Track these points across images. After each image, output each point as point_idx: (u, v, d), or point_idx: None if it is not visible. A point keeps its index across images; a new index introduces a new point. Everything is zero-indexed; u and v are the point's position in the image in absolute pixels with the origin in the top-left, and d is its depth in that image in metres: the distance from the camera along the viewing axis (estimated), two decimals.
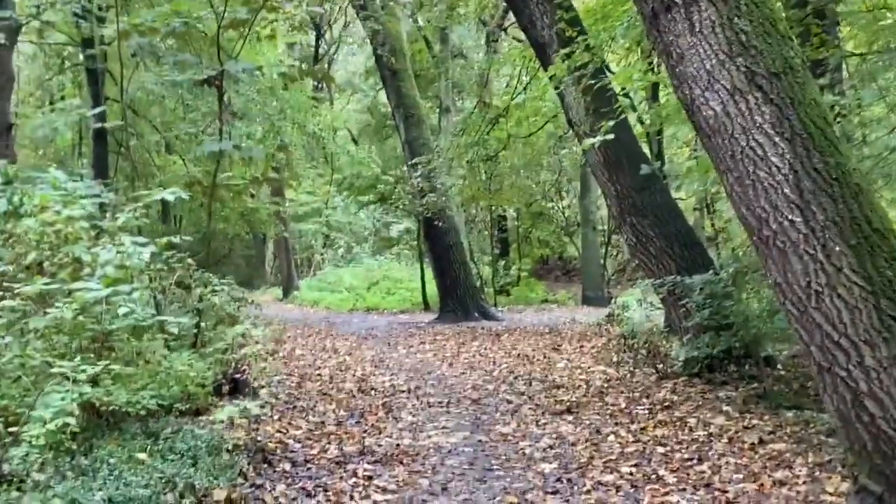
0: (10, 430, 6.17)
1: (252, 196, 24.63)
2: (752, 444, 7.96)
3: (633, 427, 9.00)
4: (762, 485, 6.78)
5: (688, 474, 7.20)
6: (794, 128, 5.76)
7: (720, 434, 8.43)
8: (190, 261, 10.10)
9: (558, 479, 7.25)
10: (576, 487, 7.04)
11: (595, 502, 6.64)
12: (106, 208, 9.82)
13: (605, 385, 11.75)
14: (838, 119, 9.31)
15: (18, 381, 7.07)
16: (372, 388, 12.12)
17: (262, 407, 8.64)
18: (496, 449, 8.44)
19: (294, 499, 6.90)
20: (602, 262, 31.81)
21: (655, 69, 15.76)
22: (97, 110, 16.67)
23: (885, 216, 5.89)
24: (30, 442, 6.10)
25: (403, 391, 11.93)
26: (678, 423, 9.03)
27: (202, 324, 10.26)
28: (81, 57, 20.36)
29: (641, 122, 18.06)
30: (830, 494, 6.44)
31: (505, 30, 32.62)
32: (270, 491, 7.01)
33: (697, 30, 5.98)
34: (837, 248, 5.63)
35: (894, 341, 5.49)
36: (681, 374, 11.58)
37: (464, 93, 34.32)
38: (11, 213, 8.65)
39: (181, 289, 10.32)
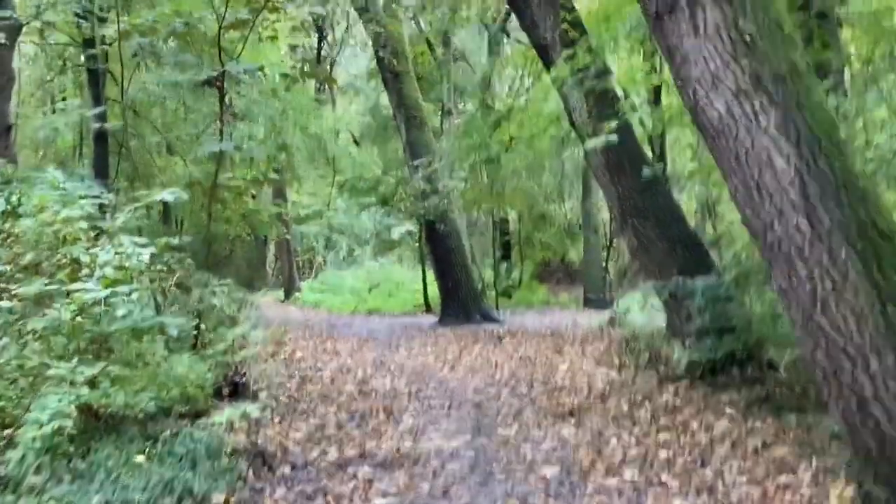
0: (7, 432, 6.12)
1: (253, 197, 24.60)
2: (756, 448, 7.90)
3: (636, 431, 8.94)
4: (766, 490, 6.73)
5: (691, 479, 7.14)
6: (800, 130, 5.71)
7: (723, 438, 8.37)
8: (189, 262, 10.06)
9: (560, 484, 7.20)
10: (578, 492, 6.99)
11: None
12: (106, 209, 9.78)
13: (607, 388, 11.67)
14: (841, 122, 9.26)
15: (15, 382, 7.03)
16: (373, 391, 12.05)
17: (262, 410, 8.62)
18: (498, 452, 8.38)
19: (294, 503, 6.85)
20: (604, 264, 31.78)
21: (658, 71, 15.72)
22: (96, 110, 16.61)
23: (891, 220, 5.83)
24: (26, 445, 6.05)
25: (404, 394, 11.85)
26: (681, 427, 8.96)
27: (202, 325, 10.21)
28: (83, 58, 20.31)
29: (643, 125, 17.98)
30: (835, 500, 6.39)
31: (507, 32, 32.58)
32: (270, 495, 6.97)
33: (701, 31, 5.93)
34: (843, 253, 5.58)
35: None
36: (683, 378, 11.49)
37: (466, 95, 34.27)
38: (10, 213, 8.63)
39: (181, 290, 10.27)
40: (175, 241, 8.93)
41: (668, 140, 21.84)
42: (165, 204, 16.11)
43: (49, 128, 25.08)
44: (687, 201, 21.84)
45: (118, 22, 12.31)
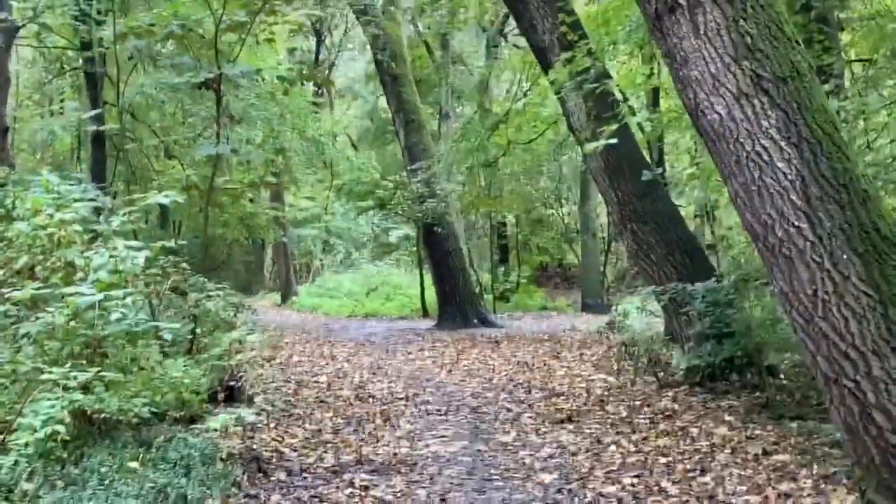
0: None
1: (251, 201, 24.53)
2: (756, 455, 7.83)
3: (635, 437, 8.88)
4: (767, 497, 6.65)
5: (691, 486, 7.07)
6: (801, 133, 5.65)
7: (723, 444, 8.31)
8: (185, 265, 9.99)
9: (559, 490, 7.13)
10: (577, 499, 6.92)
11: None
12: (102, 212, 9.71)
13: (606, 393, 11.63)
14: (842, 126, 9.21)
15: (11, 387, 6.96)
16: (370, 396, 11.99)
17: (257, 414, 8.55)
18: (495, 458, 8.31)
19: None
20: (602, 269, 31.72)
21: (657, 74, 15.68)
22: (92, 113, 16.55)
23: (893, 223, 5.77)
24: (19, 450, 5.99)
25: (402, 398, 11.80)
26: (680, 433, 8.90)
27: (198, 329, 10.14)
28: (80, 61, 20.27)
29: (642, 129, 17.94)
30: None
31: (505, 36, 32.54)
32: (265, 501, 6.90)
33: (702, 32, 5.88)
34: (845, 256, 5.53)
35: None
36: (682, 383, 11.47)
37: (464, 98, 34.24)
38: (3, 216, 8.55)
39: (176, 294, 10.20)
40: (171, 244, 8.82)
41: (667, 144, 21.79)
42: (163, 207, 16.08)
43: (46, 131, 25.03)
44: (686, 205, 21.82)
45: (114, 24, 12.23)
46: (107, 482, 6.21)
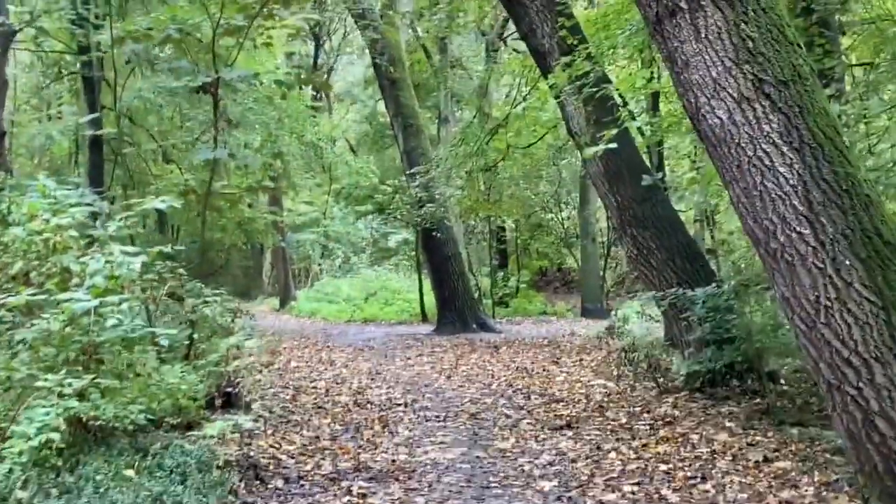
0: None
1: (250, 206, 24.47)
2: (757, 461, 7.79)
3: (635, 443, 8.83)
4: None
5: (691, 493, 7.02)
6: (803, 137, 5.61)
7: (724, 451, 8.26)
8: (181, 271, 9.93)
9: (558, 498, 7.07)
10: None
11: None
12: (99, 217, 9.65)
13: (606, 399, 11.58)
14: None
15: (5, 394, 6.90)
16: (368, 402, 11.94)
17: (255, 421, 8.48)
18: (494, 465, 8.26)
19: None
20: (601, 273, 31.67)
21: (657, 78, 15.61)
22: (89, 117, 16.50)
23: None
24: (13, 458, 5.93)
25: (400, 404, 11.75)
26: (680, 440, 8.85)
27: (195, 335, 10.08)
28: (78, 65, 20.22)
29: (642, 134, 17.90)
30: None
31: (504, 40, 32.50)
32: None
33: (703, 36, 5.83)
34: (847, 262, 5.48)
35: None
36: (682, 389, 11.42)
37: (463, 102, 34.21)
38: None
39: (173, 300, 10.14)
40: (167, 249, 8.76)
41: (667, 148, 21.74)
42: (161, 212, 16.02)
43: (44, 135, 24.98)
44: (686, 210, 21.78)
45: (111, 28, 12.19)
46: (102, 490, 6.15)
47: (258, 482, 7.51)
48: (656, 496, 6.98)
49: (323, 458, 8.48)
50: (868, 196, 5.64)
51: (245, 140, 24.16)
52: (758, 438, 8.65)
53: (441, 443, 9.28)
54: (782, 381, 10.85)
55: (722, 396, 10.85)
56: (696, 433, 9.07)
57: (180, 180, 16.92)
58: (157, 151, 25.60)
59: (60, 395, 6.50)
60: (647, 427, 9.61)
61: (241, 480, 7.32)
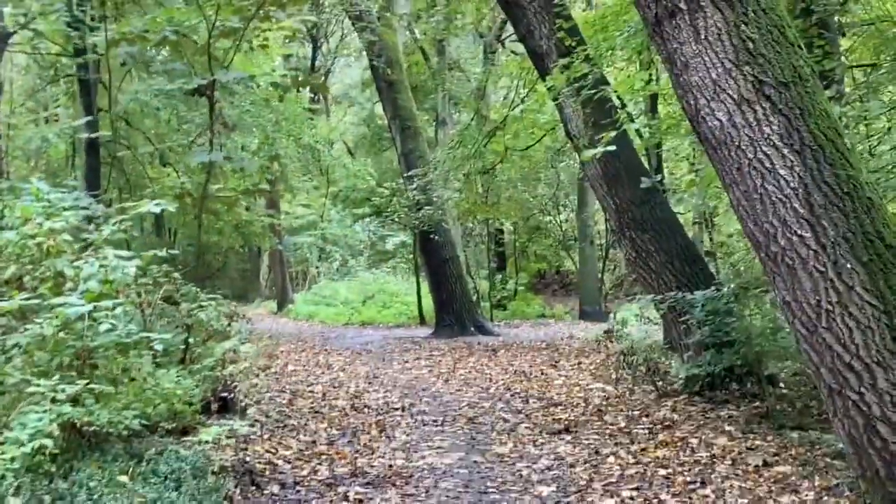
0: None
1: (247, 209, 24.42)
2: (757, 466, 7.73)
3: (633, 448, 8.76)
4: None
5: (691, 498, 6.96)
6: (804, 139, 5.55)
7: (723, 455, 8.20)
8: (176, 275, 9.87)
9: (557, 503, 7.01)
10: None
11: None
12: (95, 220, 9.59)
13: (604, 403, 11.53)
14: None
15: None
16: (365, 406, 11.88)
17: (251, 426, 8.42)
18: (492, 470, 8.19)
19: None
20: (600, 276, 31.63)
21: (656, 80, 15.55)
22: (83, 120, 16.44)
23: None
24: (5, 464, 5.86)
25: (397, 409, 11.69)
26: (680, 444, 8.79)
27: (191, 339, 10.02)
28: (74, 67, 20.19)
29: (640, 136, 17.84)
30: None
31: (502, 42, 32.48)
32: None
33: (703, 37, 5.77)
34: (849, 266, 5.43)
35: None
36: (681, 392, 11.37)
37: (460, 105, 34.16)
38: None
39: (169, 304, 10.07)
40: (162, 253, 8.69)
41: (665, 151, 21.68)
42: (158, 215, 15.97)
43: (40, 138, 24.91)
44: (684, 212, 21.72)
45: (105, 30, 12.13)
46: (95, 497, 6.08)
47: (254, 488, 7.45)
48: (655, 501, 6.93)
49: (319, 464, 8.42)
50: (870, 199, 5.59)
51: (242, 143, 24.13)
52: (757, 442, 8.60)
53: (438, 447, 9.22)
54: (782, 385, 10.79)
55: (721, 400, 10.80)
56: (696, 437, 9.01)
57: (176, 183, 16.89)
58: (154, 154, 25.55)
59: (54, 401, 6.43)
60: (646, 431, 9.56)
61: (236, 486, 7.26)
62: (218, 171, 17.72)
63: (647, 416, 10.42)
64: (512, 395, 12.57)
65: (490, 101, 31.25)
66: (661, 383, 11.81)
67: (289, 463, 8.43)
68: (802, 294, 5.59)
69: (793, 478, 7.29)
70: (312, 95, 39.71)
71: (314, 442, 9.48)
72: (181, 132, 24.87)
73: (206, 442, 7.48)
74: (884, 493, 5.47)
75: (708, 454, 8.30)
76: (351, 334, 24.91)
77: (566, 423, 10.25)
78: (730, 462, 7.96)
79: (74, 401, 6.73)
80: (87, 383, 6.77)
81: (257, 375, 11.09)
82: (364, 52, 27.75)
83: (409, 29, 31.38)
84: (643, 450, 8.64)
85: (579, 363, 15.95)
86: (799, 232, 5.52)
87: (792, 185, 5.54)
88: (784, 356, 10.11)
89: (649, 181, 12.23)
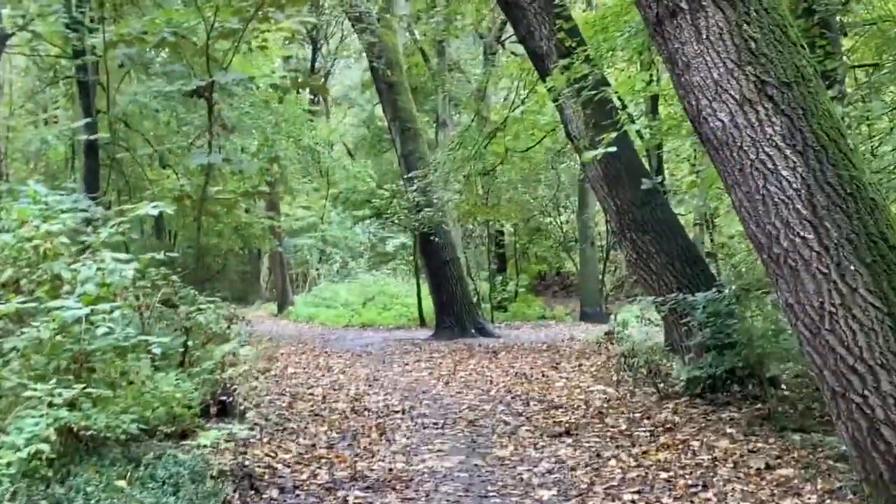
0: None
1: (247, 211, 24.38)
2: (759, 469, 7.68)
3: (635, 450, 8.71)
4: None
5: (693, 502, 6.92)
6: (807, 140, 5.51)
7: (725, 458, 8.15)
8: (175, 277, 9.82)
9: None
10: None
11: None
12: (95, 223, 9.55)
13: (605, 405, 11.48)
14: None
15: None
16: (365, 409, 11.83)
17: (250, 429, 8.37)
18: (493, 474, 8.14)
19: None
20: (600, 277, 31.58)
21: (656, 81, 15.50)
22: (81, 122, 16.39)
23: None
24: (1, 470, 5.81)
25: (397, 411, 11.64)
26: (681, 447, 8.74)
27: (190, 342, 9.97)
28: (73, 69, 20.16)
29: (641, 137, 17.80)
30: None
31: (502, 43, 32.43)
32: None
33: (704, 37, 5.73)
34: (852, 267, 5.39)
35: None
36: (682, 395, 11.33)
37: (461, 106, 34.12)
38: None
39: (167, 307, 10.03)
40: (160, 255, 8.64)
41: (666, 152, 21.65)
42: (158, 217, 15.93)
43: (39, 140, 24.88)
44: (685, 214, 21.67)
45: (103, 32, 12.09)
46: (92, 502, 6.03)
47: (253, 492, 7.40)
48: None
49: (319, 467, 8.37)
50: (873, 200, 5.54)
51: (242, 145, 24.09)
52: (759, 445, 8.55)
53: (439, 451, 9.17)
54: (784, 387, 10.75)
55: (723, 402, 10.76)
56: (697, 440, 8.97)
57: (176, 186, 16.84)
58: (154, 156, 25.51)
59: (50, 405, 6.38)
60: (648, 434, 9.51)
61: (235, 491, 7.21)
62: (217, 173, 17.69)
63: (648, 418, 10.37)
64: (513, 398, 12.52)
65: (490, 103, 31.19)
66: (662, 385, 11.76)
67: (288, 467, 8.38)
68: (805, 296, 5.54)
69: (795, 481, 7.25)
70: (312, 97, 39.68)
71: (314, 445, 9.43)
72: (180, 134, 24.83)
73: (205, 446, 7.44)
74: (888, 497, 5.43)
75: (710, 457, 8.25)
76: (351, 336, 24.87)
77: (567, 425, 10.21)
78: (732, 465, 7.91)
79: (71, 405, 6.69)
80: (85, 387, 6.73)
81: (257, 378, 11.03)
82: (364, 54, 27.71)
83: (409, 30, 31.35)
84: (644, 453, 8.60)
85: (580, 365, 15.91)
86: (802, 233, 5.48)
87: (795, 186, 5.49)
88: (786, 358, 10.07)
89: (650, 182, 12.18)
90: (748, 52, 5.62)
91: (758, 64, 5.60)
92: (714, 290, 10.74)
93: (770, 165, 5.54)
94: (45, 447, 6.01)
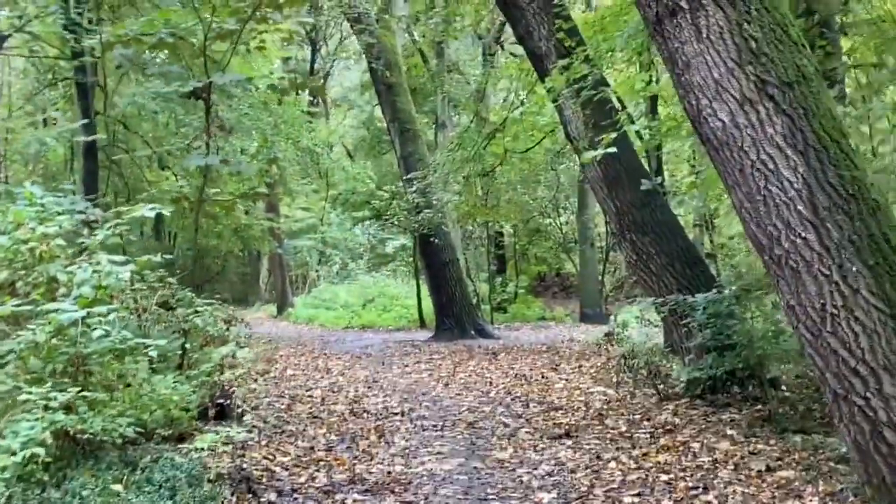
0: None
1: (246, 212, 24.36)
2: (760, 471, 7.63)
3: (635, 452, 8.66)
4: None
5: None
6: (808, 140, 5.46)
7: (725, 460, 8.10)
8: (172, 280, 9.78)
9: None
10: None
11: None
12: (93, 225, 9.51)
13: (605, 407, 11.44)
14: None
15: None
16: (364, 411, 11.78)
17: (248, 432, 8.33)
18: (492, 476, 8.09)
19: None
20: (600, 278, 31.55)
21: (656, 81, 15.46)
22: (78, 123, 16.36)
23: None
24: None
25: (397, 413, 11.59)
26: (681, 448, 8.69)
27: (187, 345, 9.93)
28: (72, 70, 20.14)
29: (641, 138, 17.77)
30: None
31: (501, 44, 32.40)
32: None
33: (705, 36, 5.68)
34: (854, 269, 5.34)
35: None
36: (683, 396, 11.28)
37: (460, 107, 34.08)
38: None
39: (165, 309, 9.99)
40: (157, 258, 8.60)
41: (665, 152, 21.63)
42: (158, 219, 15.89)
43: (38, 142, 24.85)
44: (685, 215, 21.64)
45: (100, 33, 12.04)
46: None
47: (250, 496, 7.35)
48: None
49: (317, 470, 8.32)
50: (875, 200, 5.50)
51: (241, 146, 24.07)
52: (760, 447, 8.50)
53: (438, 453, 9.12)
54: (784, 388, 10.71)
55: (723, 403, 10.71)
56: (698, 441, 8.92)
57: (174, 187, 16.80)
58: (153, 158, 25.50)
59: (46, 408, 6.35)
60: (648, 435, 9.46)
61: (232, 494, 7.16)
62: (216, 174, 17.65)
63: (648, 420, 10.33)
64: (512, 400, 12.48)
65: (489, 104, 31.14)
66: (662, 387, 11.72)
67: (286, 470, 8.33)
68: (807, 297, 5.49)
69: (796, 483, 7.20)
70: (312, 98, 39.66)
71: (312, 448, 9.38)
72: (179, 136, 24.80)
73: (202, 449, 7.39)
74: (890, 500, 5.39)
75: (710, 459, 8.20)
76: (351, 338, 24.83)
77: (567, 427, 10.16)
78: (732, 467, 7.86)
79: (68, 408, 6.65)
80: (80, 390, 6.69)
81: (255, 380, 11.01)
82: (363, 55, 27.66)
83: (408, 31, 31.31)
84: (645, 455, 8.55)
85: (580, 366, 15.86)
86: (803, 234, 5.43)
87: (796, 186, 5.45)
88: (786, 359, 10.04)
89: (650, 183, 12.15)
90: (749, 51, 5.58)
91: (758, 63, 5.56)
92: (714, 291, 10.70)
93: (771, 166, 5.50)
94: (41, 451, 5.98)
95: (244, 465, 8.05)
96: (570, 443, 9.34)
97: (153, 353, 7.73)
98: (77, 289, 7.30)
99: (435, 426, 10.67)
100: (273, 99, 24.65)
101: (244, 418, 9.17)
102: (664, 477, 7.69)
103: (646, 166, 16.22)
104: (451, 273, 24.26)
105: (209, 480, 7.06)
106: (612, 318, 20.17)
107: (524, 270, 36.35)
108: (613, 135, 9.64)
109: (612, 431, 9.84)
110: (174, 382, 8.49)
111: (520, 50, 18.17)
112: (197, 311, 10.07)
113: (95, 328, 7.08)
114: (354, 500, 7.27)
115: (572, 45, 12.32)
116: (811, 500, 6.71)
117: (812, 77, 5.63)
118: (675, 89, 6.15)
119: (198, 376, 9.16)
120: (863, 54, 12.07)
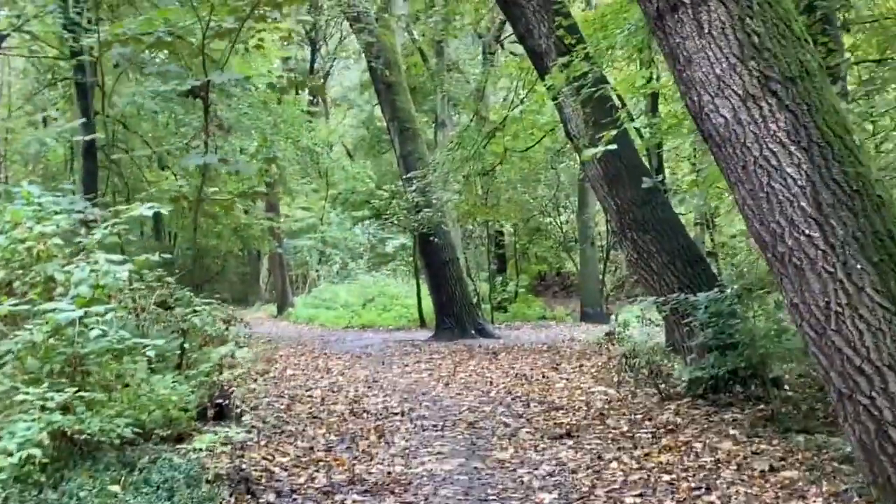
0: None
1: (246, 212, 24.33)
2: (763, 471, 7.57)
3: (637, 452, 8.61)
4: None
5: None
6: (812, 136, 5.40)
7: (728, 460, 8.04)
8: (170, 279, 9.74)
9: None
10: None
11: None
12: (93, 224, 9.46)
13: (606, 406, 11.39)
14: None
15: None
16: (364, 411, 11.73)
17: (247, 432, 8.28)
18: (493, 477, 8.04)
19: None
20: (601, 277, 31.51)
21: (656, 79, 15.41)
22: (77, 122, 16.31)
23: None
24: None
25: (397, 413, 11.53)
26: (683, 448, 8.64)
27: (186, 345, 9.88)
28: (72, 70, 20.10)
29: (641, 136, 17.72)
30: None
31: (501, 42, 32.37)
32: None
33: (706, 31, 5.63)
34: (859, 266, 5.29)
35: None
36: (684, 396, 11.23)
37: (460, 106, 34.05)
38: None
39: (163, 308, 9.94)
40: (155, 257, 8.55)
41: (666, 150, 21.58)
42: (157, 219, 15.85)
43: (38, 142, 24.81)
44: (686, 213, 21.59)
45: (98, 32, 12.00)
46: None
47: (249, 496, 7.29)
48: None
49: (317, 471, 8.27)
50: (880, 197, 5.44)
51: (240, 145, 24.03)
52: (763, 446, 8.44)
53: (438, 453, 9.06)
54: (787, 387, 10.65)
55: (725, 403, 10.66)
56: (700, 441, 8.86)
57: (174, 187, 16.76)
58: (153, 157, 25.47)
59: (43, 409, 6.31)
60: (649, 435, 9.40)
61: (231, 495, 7.11)
62: (215, 174, 17.61)
63: (649, 419, 10.28)
64: (513, 399, 12.43)
65: (489, 102, 31.15)
66: (663, 386, 11.67)
67: (285, 470, 8.27)
68: (811, 296, 5.44)
69: (800, 483, 7.14)
70: (311, 98, 39.63)
71: (312, 448, 9.33)
72: (179, 135, 24.78)
73: (201, 450, 7.35)
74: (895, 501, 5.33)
75: (712, 459, 8.14)
76: (351, 338, 24.80)
77: (568, 427, 10.11)
78: (735, 467, 7.81)
79: (65, 408, 6.61)
80: (78, 391, 6.66)
81: (255, 380, 10.98)
82: (362, 54, 27.62)
83: (408, 30, 31.29)
84: (646, 455, 8.50)
85: (581, 366, 15.82)
86: (807, 231, 5.38)
87: (799, 183, 5.39)
88: (789, 358, 9.98)
89: (650, 181, 12.09)
90: (751, 46, 5.52)
91: (761, 59, 5.50)
92: (716, 289, 10.65)
93: (774, 162, 5.44)
94: (37, 452, 5.94)
95: (243, 466, 8.00)
96: (571, 443, 9.29)
97: (151, 353, 7.69)
98: (74, 288, 7.26)
99: (435, 426, 10.62)
100: (272, 98, 24.61)
101: (243, 418, 9.13)
102: (666, 477, 7.64)
103: (646, 164, 16.17)
104: (451, 272, 24.23)
105: (207, 481, 7.02)
106: (612, 317, 20.13)
107: (524, 270, 36.33)
108: (613, 132, 9.58)
109: (613, 431, 9.78)
110: (173, 382, 8.45)
111: (520, 48, 18.14)
112: (195, 311, 10.02)
113: (93, 328, 7.04)
114: (354, 501, 7.22)
115: (572, 42, 12.28)
116: (815, 501, 6.66)
117: (815, 72, 5.58)
118: (677, 86, 6.10)
119: (196, 376, 9.12)
120: (865, 51, 12.03)
